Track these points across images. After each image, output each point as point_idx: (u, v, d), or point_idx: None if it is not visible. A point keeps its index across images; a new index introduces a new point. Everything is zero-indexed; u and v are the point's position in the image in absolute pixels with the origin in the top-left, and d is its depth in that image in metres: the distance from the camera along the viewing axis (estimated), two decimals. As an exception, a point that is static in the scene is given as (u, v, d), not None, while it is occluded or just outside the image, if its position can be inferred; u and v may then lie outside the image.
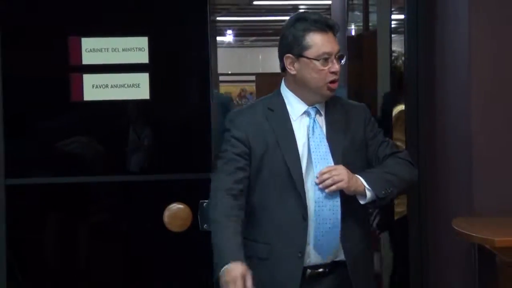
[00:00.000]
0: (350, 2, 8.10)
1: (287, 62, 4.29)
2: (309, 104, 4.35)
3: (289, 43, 4.27)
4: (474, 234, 4.93)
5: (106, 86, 5.45)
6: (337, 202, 4.44)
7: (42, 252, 5.76)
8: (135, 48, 5.49)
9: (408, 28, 5.89)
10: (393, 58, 6.59)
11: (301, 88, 4.33)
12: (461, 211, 5.41)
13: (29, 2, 5.50)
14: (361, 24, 7.91)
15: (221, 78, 16.11)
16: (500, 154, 5.32)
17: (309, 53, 4.20)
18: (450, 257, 5.69)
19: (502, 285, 5.02)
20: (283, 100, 4.42)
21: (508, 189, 5.14)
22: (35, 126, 5.62)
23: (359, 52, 7.53)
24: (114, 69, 5.46)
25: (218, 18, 15.09)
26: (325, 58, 4.21)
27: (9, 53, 5.34)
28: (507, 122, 5.31)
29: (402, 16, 6.07)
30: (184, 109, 5.60)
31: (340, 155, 4.47)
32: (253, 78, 21.87)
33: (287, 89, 4.41)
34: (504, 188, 5.21)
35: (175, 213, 5.30)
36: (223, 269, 4.25)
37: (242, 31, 22.77)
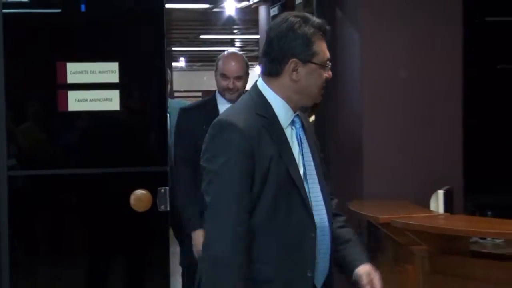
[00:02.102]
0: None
1: (290, 67, 3.25)
2: (294, 111, 3.39)
3: (296, 47, 3.26)
4: (364, 213, 5.03)
5: (86, 100, 5.42)
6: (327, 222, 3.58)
7: (36, 228, 5.71)
8: (108, 71, 5.46)
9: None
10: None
11: (297, 94, 3.33)
12: (355, 196, 5.43)
13: (26, 36, 5.45)
14: None
15: (176, 94, 16.11)
16: (385, 151, 5.35)
17: (316, 59, 3.28)
18: None
19: (385, 252, 5.11)
20: (270, 105, 3.35)
21: (390, 178, 5.19)
22: (29, 129, 5.60)
23: None
24: (92, 87, 5.43)
25: (174, 48, 15.04)
26: (327, 66, 3.36)
27: (12, 73, 5.29)
28: (392, 125, 5.34)
29: None
30: (146, 118, 5.55)
31: (319, 166, 3.56)
32: (199, 94, 22.55)
33: (275, 94, 3.31)
34: (388, 177, 5.26)
35: (139, 197, 5.26)
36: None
37: (192, 58, 22.75)
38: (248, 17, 9.81)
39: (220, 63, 5.19)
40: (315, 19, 3.28)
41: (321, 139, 5.75)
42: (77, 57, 5.46)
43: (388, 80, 5.39)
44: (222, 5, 9.67)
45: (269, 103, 3.27)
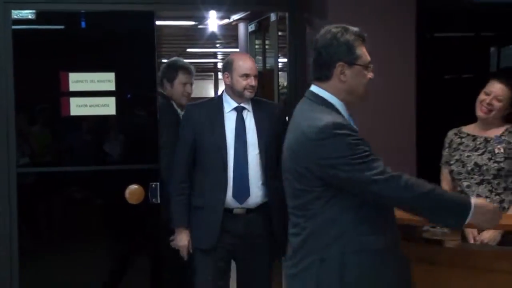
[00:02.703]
0: (253, 50, 8.05)
1: (338, 70, 3.28)
2: (347, 109, 3.37)
3: (341, 52, 3.30)
4: None
5: (86, 105, 5.44)
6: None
7: (42, 218, 5.73)
8: (106, 80, 5.49)
9: (290, 67, 5.86)
10: (280, 86, 6.53)
11: (347, 93, 3.32)
12: None
13: (33, 49, 5.46)
14: (262, 65, 7.69)
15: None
16: None
17: (360, 61, 3.32)
18: None
19: None
20: (333, 106, 3.32)
21: None
22: (37, 131, 5.64)
23: (260, 83, 7.44)
24: (91, 94, 5.45)
25: (163, 60, 15.02)
26: (369, 67, 3.40)
27: (20, 82, 5.30)
28: (360, 125, 5.29)
29: (285, 60, 6.03)
30: (139, 121, 5.57)
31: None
32: (186, 101, 21.95)
33: (331, 95, 3.30)
34: None
35: (133, 191, 5.31)
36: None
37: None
38: (229, 33, 9.83)
39: (238, 64, 4.76)
40: (354, 28, 3.35)
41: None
42: (78, 68, 5.47)
43: None
44: (206, 23, 9.68)
45: (331, 104, 3.28)
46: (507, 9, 6.96)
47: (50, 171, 5.61)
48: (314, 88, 3.33)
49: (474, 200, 3.17)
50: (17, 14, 5.39)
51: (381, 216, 3.24)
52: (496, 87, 4.60)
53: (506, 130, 4.65)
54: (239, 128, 4.76)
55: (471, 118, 4.73)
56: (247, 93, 4.73)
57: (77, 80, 5.46)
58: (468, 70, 6.40)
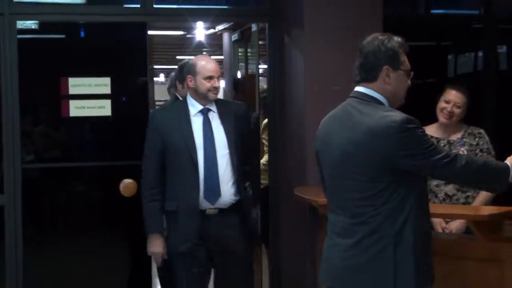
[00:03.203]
0: (237, 57, 8.08)
1: (383, 73, 3.27)
2: None
3: (390, 57, 3.28)
4: (306, 197, 4.94)
5: (84, 107, 5.45)
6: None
7: (44, 209, 5.72)
8: (102, 84, 5.49)
9: (270, 73, 5.86)
10: (261, 90, 6.52)
11: (390, 95, 3.30)
12: (299, 183, 5.38)
13: (36, 56, 5.48)
14: (244, 70, 7.75)
15: (157, 103, 16.01)
16: None
17: (403, 67, 3.31)
18: (295, 214, 5.59)
19: (323, 228, 4.93)
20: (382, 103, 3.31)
21: None
22: (40, 130, 5.62)
23: (243, 87, 7.41)
24: (89, 97, 5.47)
25: (155, 66, 15.04)
26: (411, 73, 3.36)
27: (24, 86, 5.32)
28: None
29: (265, 66, 6.05)
30: (131, 122, 5.53)
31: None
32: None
33: (379, 94, 3.28)
34: None
35: (127, 185, 5.29)
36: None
37: (169, 74, 22.59)
38: (214, 42, 9.85)
39: (201, 66, 4.49)
40: (397, 37, 3.33)
41: (272, 136, 5.86)
42: (77, 73, 5.47)
43: (326, 91, 5.32)
44: (193, 32, 9.71)
45: (381, 102, 3.28)
46: (462, 20, 7.06)
47: (52, 166, 5.62)
48: (362, 88, 3.31)
49: (509, 163, 3.30)
50: (21, 24, 5.41)
51: (427, 202, 3.34)
52: (454, 95, 4.68)
53: (465, 132, 4.74)
54: (206, 129, 4.51)
55: (431, 120, 4.78)
56: (211, 95, 4.50)
57: (76, 84, 5.47)
58: (428, 76, 6.48)
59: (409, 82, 3.35)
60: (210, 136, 4.49)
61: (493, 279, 3.71)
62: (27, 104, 5.41)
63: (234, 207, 4.53)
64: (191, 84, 4.51)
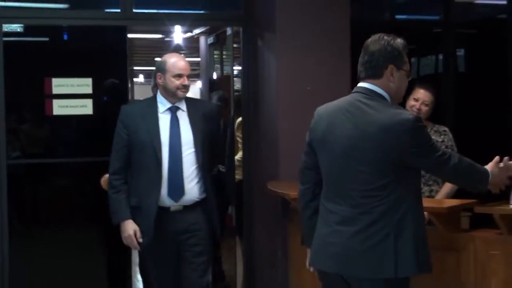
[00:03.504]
0: (212, 59, 8.09)
1: (388, 71, 3.25)
2: None
3: (395, 57, 3.26)
4: (279, 191, 4.95)
5: (67, 106, 5.45)
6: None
7: (29, 203, 5.73)
8: (84, 85, 5.49)
9: (244, 74, 5.88)
10: (235, 90, 6.44)
11: (392, 92, 3.27)
12: (272, 178, 5.38)
13: (21, 57, 5.44)
14: (219, 72, 7.70)
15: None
16: (296, 142, 4.86)
17: (405, 67, 3.29)
18: (267, 207, 5.60)
19: (294, 221, 4.95)
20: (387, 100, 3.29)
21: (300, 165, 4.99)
22: (25, 128, 5.61)
23: (219, 88, 7.33)
24: (71, 96, 5.47)
25: (134, 68, 15.00)
26: (411, 74, 3.38)
27: (10, 86, 5.30)
28: (299, 122, 5.04)
29: (239, 68, 6.05)
30: (112, 120, 5.41)
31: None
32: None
33: (383, 91, 3.25)
34: (298, 165, 5.04)
35: (107, 179, 5.18)
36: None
37: (148, 75, 22.49)
38: (191, 45, 9.83)
39: (170, 64, 4.28)
40: (400, 39, 3.30)
41: (246, 134, 5.85)
42: (60, 74, 5.47)
43: (297, 90, 5.37)
44: (171, 36, 9.69)
45: (386, 99, 3.25)
46: (423, 25, 7.12)
47: (36, 162, 5.61)
48: (367, 84, 3.27)
49: (488, 167, 3.35)
50: (7, 27, 5.40)
51: (421, 196, 3.36)
52: (422, 94, 4.67)
53: (432, 129, 4.72)
54: (173, 127, 4.28)
55: None
56: (180, 93, 4.28)
57: (59, 85, 5.48)
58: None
59: (407, 83, 3.36)
60: (176, 134, 4.27)
61: (450, 266, 3.77)
62: (12, 103, 5.41)
63: (198, 205, 4.32)
64: (160, 81, 4.31)
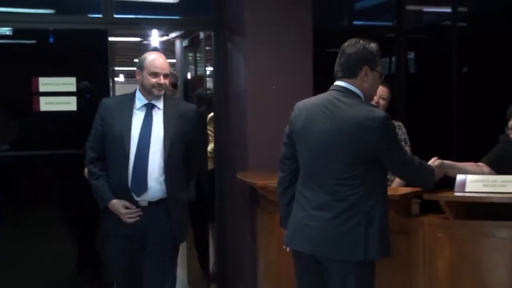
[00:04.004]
0: (187, 60, 8.06)
1: (363, 72, 3.32)
2: None
3: (369, 59, 3.33)
4: (247, 180, 4.96)
5: (53, 103, 5.43)
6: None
7: (18, 191, 5.65)
8: (68, 83, 5.47)
9: (216, 74, 5.87)
10: (208, 89, 6.51)
11: (365, 92, 3.35)
12: (242, 168, 5.40)
13: (11, 58, 5.42)
14: (193, 72, 7.59)
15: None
16: (262, 137, 5.25)
17: (378, 69, 3.37)
18: (237, 194, 5.59)
19: (262, 207, 5.03)
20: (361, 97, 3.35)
21: (267, 155, 4.88)
22: (14, 123, 5.58)
23: (192, 86, 7.30)
24: (57, 94, 5.45)
25: (115, 68, 14.87)
26: (382, 76, 3.46)
27: (2, 84, 5.30)
28: (266, 118, 5.28)
29: (211, 68, 6.03)
30: (94, 116, 5.49)
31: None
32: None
33: (357, 89, 3.30)
34: (265, 155, 5.06)
35: None
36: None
37: (128, 75, 22.36)
38: (168, 47, 9.79)
39: (148, 62, 4.06)
40: (374, 44, 3.38)
41: (217, 128, 5.85)
42: (46, 73, 5.44)
43: (263, 88, 5.37)
44: (149, 39, 9.65)
45: (360, 97, 3.32)
46: (378, 30, 7.16)
47: (24, 154, 5.56)
48: (343, 83, 3.33)
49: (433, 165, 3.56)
50: (-3, 29, 5.34)
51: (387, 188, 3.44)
52: (380, 89, 4.54)
53: None
54: (146, 123, 4.03)
55: None
56: (155, 91, 4.03)
57: (46, 83, 5.44)
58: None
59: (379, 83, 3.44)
60: (147, 131, 4.01)
61: (403, 247, 3.78)
62: (2, 100, 5.39)
63: (163, 203, 4.06)
64: (138, 77, 4.10)
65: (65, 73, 5.48)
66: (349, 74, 3.33)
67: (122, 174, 3.97)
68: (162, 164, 4.01)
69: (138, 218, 4.03)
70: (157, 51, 4.12)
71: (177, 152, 4.07)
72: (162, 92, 4.09)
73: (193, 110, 4.28)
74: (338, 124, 3.22)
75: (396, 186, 4.54)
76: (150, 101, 4.09)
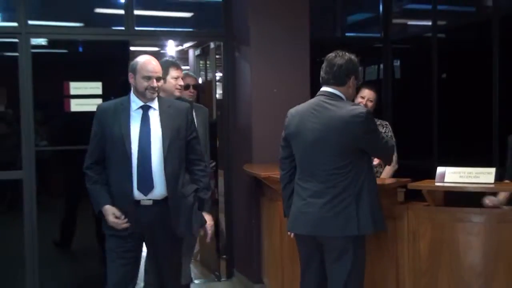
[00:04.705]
0: (199, 67, 8.08)
1: (351, 81, 3.43)
2: None
3: (356, 70, 3.45)
4: (252, 171, 4.96)
5: (82, 104, 5.39)
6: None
7: (53, 184, 5.68)
8: (95, 87, 5.44)
9: (224, 79, 5.87)
10: (217, 93, 6.47)
11: (349, 97, 3.47)
12: (247, 161, 5.37)
13: (46, 65, 5.39)
14: (204, 78, 7.68)
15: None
16: (267, 132, 5.20)
17: (358, 78, 3.52)
18: (243, 184, 5.55)
19: (266, 195, 5.00)
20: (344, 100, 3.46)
21: (269, 151, 4.87)
22: (50, 122, 5.58)
23: (203, 91, 7.21)
24: (86, 96, 5.41)
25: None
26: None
27: (37, 89, 5.27)
28: (269, 117, 5.22)
29: (221, 74, 6.03)
30: None
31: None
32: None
33: (342, 95, 3.42)
34: (267, 151, 5.05)
35: None
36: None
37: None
38: (182, 56, 9.74)
39: (141, 66, 3.68)
40: (354, 55, 3.48)
41: (225, 128, 5.82)
42: (76, 78, 5.43)
43: (266, 92, 5.36)
44: (166, 48, 9.64)
45: (344, 100, 3.41)
46: (368, 41, 7.18)
47: (58, 149, 5.58)
48: (330, 89, 3.43)
49: None
50: (34, 41, 5.36)
51: (374, 172, 3.57)
52: (367, 92, 4.62)
53: (380, 124, 4.68)
54: (144, 124, 3.64)
55: None
56: (148, 94, 3.65)
57: (76, 87, 5.44)
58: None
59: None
60: (146, 130, 3.63)
61: (390, 230, 3.78)
62: (39, 102, 5.36)
63: (167, 199, 3.66)
64: (131, 81, 3.72)
65: (93, 78, 5.47)
66: (338, 82, 3.42)
67: (125, 175, 3.58)
68: (163, 162, 3.61)
69: (128, 225, 3.65)
70: (149, 55, 3.76)
71: (176, 149, 3.68)
72: (155, 95, 3.73)
73: (187, 108, 3.84)
74: (326, 122, 3.32)
75: (385, 177, 4.57)
76: (145, 103, 3.70)
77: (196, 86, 5.08)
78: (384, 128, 4.75)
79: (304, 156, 3.43)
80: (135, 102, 3.71)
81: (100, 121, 3.73)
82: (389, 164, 3.88)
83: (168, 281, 3.84)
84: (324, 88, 3.46)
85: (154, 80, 3.67)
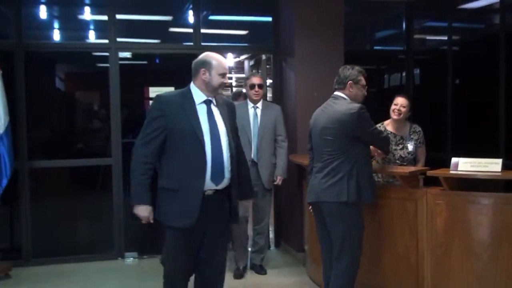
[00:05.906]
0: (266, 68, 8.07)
1: (348, 85, 3.61)
2: None
3: (351, 76, 3.60)
4: (297, 160, 4.92)
5: None
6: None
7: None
8: (168, 91, 5.46)
9: (273, 85, 5.86)
10: (268, 96, 6.51)
11: (353, 99, 3.61)
12: (293, 152, 5.29)
13: (130, 74, 5.43)
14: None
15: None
16: (307, 130, 5.04)
17: (360, 83, 3.62)
18: (290, 171, 5.21)
19: (306, 180, 4.85)
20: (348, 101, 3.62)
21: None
22: (133, 119, 5.52)
23: None
24: None
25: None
26: (365, 88, 3.67)
27: (123, 92, 5.19)
28: (311, 117, 5.17)
29: (271, 81, 6.00)
30: None
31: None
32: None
33: (345, 96, 3.63)
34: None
35: None
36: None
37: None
38: (239, 66, 9.85)
39: (218, 63, 3.20)
40: (358, 67, 3.67)
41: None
42: (154, 84, 5.56)
43: (308, 95, 5.27)
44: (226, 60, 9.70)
45: (346, 99, 3.62)
46: (392, 53, 7.07)
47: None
48: (337, 93, 3.68)
49: None
50: (121, 54, 5.44)
51: (369, 155, 3.72)
52: (401, 100, 4.42)
53: (411, 129, 4.46)
54: (211, 118, 3.18)
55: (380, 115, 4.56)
56: (221, 90, 3.27)
57: (154, 91, 5.53)
58: (373, 87, 6.44)
59: (364, 92, 3.68)
60: (214, 124, 3.17)
61: (411, 210, 3.78)
62: (125, 103, 5.42)
63: (225, 189, 3.22)
64: (204, 76, 3.19)
65: (167, 84, 5.50)
66: (340, 86, 3.65)
67: (199, 168, 3.08)
68: (228, 154, 3.19)
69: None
70: (218, 54, 3.29)
71: (234, 141, 3.27)
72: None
73: (233, 105, 3.41)
74: (330, 116, 3.58)
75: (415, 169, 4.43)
76: (208, 97, 3.22)
77: (261, 85, 4.98)
78: (418, 134, 4.47)
79: (315, 143, 3.69)
80: (199, 96, 3.20)
81: (164, 112, 3.13)
82: (387, 154, 4.02)
83: (216, 274, 3.33)
84: (334, 93, 3.70)
85: (227, 77, 3.26)
